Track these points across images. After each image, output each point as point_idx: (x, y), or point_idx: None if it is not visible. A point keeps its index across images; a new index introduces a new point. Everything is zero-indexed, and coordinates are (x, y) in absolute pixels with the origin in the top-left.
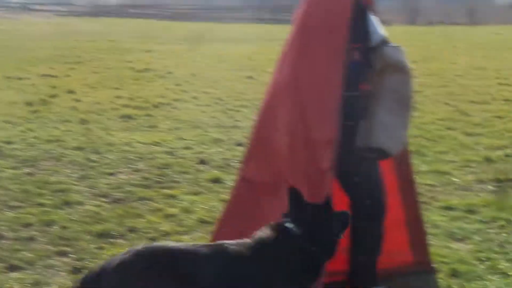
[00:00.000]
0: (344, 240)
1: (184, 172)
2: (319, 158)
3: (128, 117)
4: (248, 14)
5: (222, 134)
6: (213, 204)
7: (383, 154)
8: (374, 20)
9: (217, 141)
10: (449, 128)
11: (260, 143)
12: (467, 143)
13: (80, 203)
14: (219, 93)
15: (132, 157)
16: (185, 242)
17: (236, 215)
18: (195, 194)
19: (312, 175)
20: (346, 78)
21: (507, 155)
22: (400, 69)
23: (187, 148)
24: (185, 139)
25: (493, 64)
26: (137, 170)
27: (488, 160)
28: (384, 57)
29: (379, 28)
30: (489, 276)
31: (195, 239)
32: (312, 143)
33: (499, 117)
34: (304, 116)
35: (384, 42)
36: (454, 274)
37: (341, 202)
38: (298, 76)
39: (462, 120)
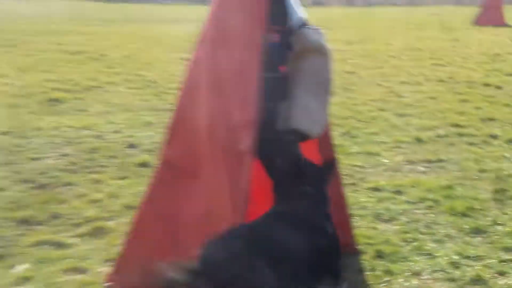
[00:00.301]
0: None
1: (112, 157)
2: (239, 140)
3: (58, 100)
4: None
5: (153, 117)
6: (140, 189)
7: (303, 136)
8: (293, 2)
9: (148, 125)
10: (381, 109)
11: (181, 126)
12: (398, 124)
13: (2, 189)
14: (152, 76)
15: (59, 141)
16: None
17: (157, 198)
18: (122, 178)
19: (232, 157)
20: (265, 59)
21: (438, 136)
22: (320, 52)
23: (116, 132)
24: (115, 123)
25: (428, 45)
26: (64, 155)
27: (419, 140)
28: (303, 40)
29: (298, 10)
30: (415, 257)
31: (120, 225)
32: (232, 125)
33: (432, 97)
34: (223, 98)
35: (303, 24)
36: (379, 255)
37: (263, 184)
38: (216, 58)
39: (394, 101)
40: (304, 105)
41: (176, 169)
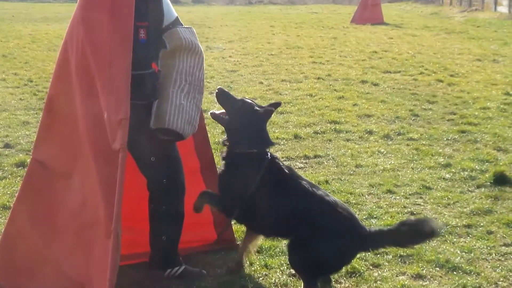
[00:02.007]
0: (145, 222)
1: None
2: (112, 138)
3: None
4: None
5: (30, 116)
6: (17, 189)
7: (176, 136)
8: (165, 0)
9: (25, 124)
10: None
11: (53, 126)
12: (277, 121)
13: None
14: (29, 75)
15: None
16: None
17: (29, 197)
18: None
19: (106, 156)
20: (134, 56)
21: (315, 132)
22: (193, 51)
23: None
24: None
25: (308, 43)
26: None
27: (297, 137)
28: (176, 38)
29: (170, 8)
30: None
31: None
32: (104, 124)
33: (310, 95)
34: (95, 97)
35: (175, 22)
36: (258, 250)
37: (137, 182)
38: (85, 57)
39: (274, 98)
40: (177, 104)
41: (48, 168)
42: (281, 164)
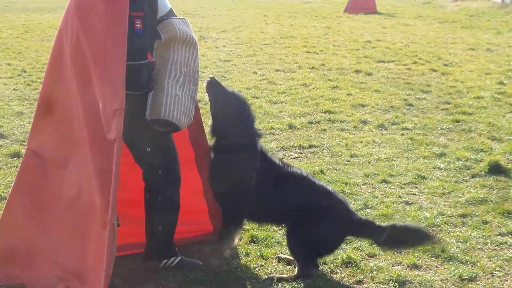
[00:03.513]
0: (141, 212)
1: None
2: (107, 128)
3: None
4: None
5: (24, 107)
6: (12, 180)
7: (172, 127)
8: None
9: (19, 114)
10: (255, 97)
11: (48, 115)
12: (271, 111)
13: None
14: (23, 65)
15: None
16: None
17: (25, 187)
18: None
19: (102, 145)
20: (130, 47)
21: (310, 122)
22: (187, 42)
23: None
24: None
25: (301, 33)
26: None
27: (292, 127)
28: (170, 29)
29: None
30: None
31: None
32: (100, 113)
33: (304, 84)
34: (91, 86)
35: (170, 13)
36: (253, 240)
37: (135, 173)
38: (79, 46)
39: (268, 88)
40: (172, 95)
41: (42, 158)
42: (269, 153)
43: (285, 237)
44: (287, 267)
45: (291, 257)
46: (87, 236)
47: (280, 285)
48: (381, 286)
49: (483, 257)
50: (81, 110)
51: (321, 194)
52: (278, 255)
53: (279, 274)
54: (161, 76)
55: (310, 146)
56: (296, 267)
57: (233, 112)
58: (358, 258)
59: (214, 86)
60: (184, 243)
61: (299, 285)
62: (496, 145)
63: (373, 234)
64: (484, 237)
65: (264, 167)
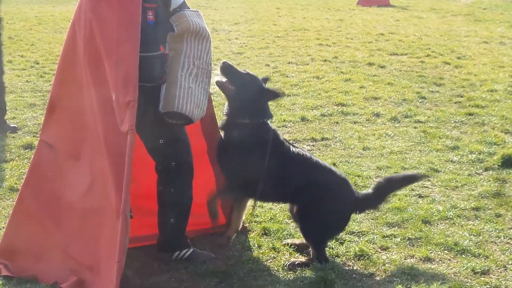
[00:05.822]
0: (153, 204)
1: None
2: (120, 120)
3: None
4: None
5: (37, 98)
6: (24, 171)
7: (185, 119)
8: None
9: (31, 106)
10: None
11: (60, 108)
12: (284, 103)
13: None
14: (36, 57)
15: None
16: None
17: (37, 179)
18: (6, 161)
19: (114, 137)
20: (142, 38)
21: (322, 115)
22: (200, 35)
23: None
24: None
25: (314, 25)
26: None
27: (304, 119)
28: (183, 21)
29: None
30: (299, 234)
31: (4, 208)
32: (113, 106)
33: (317, 77)
34: (103, 78)
35: (183, 5)
36: (266, 232)
37: (148, 165)
38: (92, 37)
39: (280, 81)
40: (186, 88)
41: (56, 149)
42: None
43: (297, 229)
44: (297, 254)
45: (297, 241)
46: (99, 228)
47: (293, 276)
48: (394, 279)
49: (496, 250)
50: (95, 102)
51: (328, 174)
52: (286, 240)
53: (297, 259)
54: (174, 68)
55: (322, 139)
56: (311, 251)
57: (256, 89)
58: (371, 251)
59: (228, 68)
60: (196, 235)
61: (311, 277)
62: (509, 138)
63: (373, 205)
64: (497, 231)
65: (275, 146)
